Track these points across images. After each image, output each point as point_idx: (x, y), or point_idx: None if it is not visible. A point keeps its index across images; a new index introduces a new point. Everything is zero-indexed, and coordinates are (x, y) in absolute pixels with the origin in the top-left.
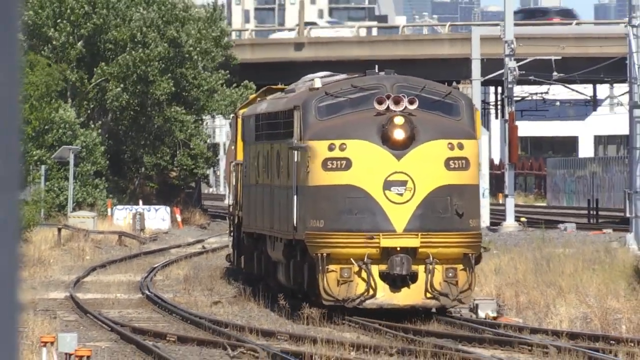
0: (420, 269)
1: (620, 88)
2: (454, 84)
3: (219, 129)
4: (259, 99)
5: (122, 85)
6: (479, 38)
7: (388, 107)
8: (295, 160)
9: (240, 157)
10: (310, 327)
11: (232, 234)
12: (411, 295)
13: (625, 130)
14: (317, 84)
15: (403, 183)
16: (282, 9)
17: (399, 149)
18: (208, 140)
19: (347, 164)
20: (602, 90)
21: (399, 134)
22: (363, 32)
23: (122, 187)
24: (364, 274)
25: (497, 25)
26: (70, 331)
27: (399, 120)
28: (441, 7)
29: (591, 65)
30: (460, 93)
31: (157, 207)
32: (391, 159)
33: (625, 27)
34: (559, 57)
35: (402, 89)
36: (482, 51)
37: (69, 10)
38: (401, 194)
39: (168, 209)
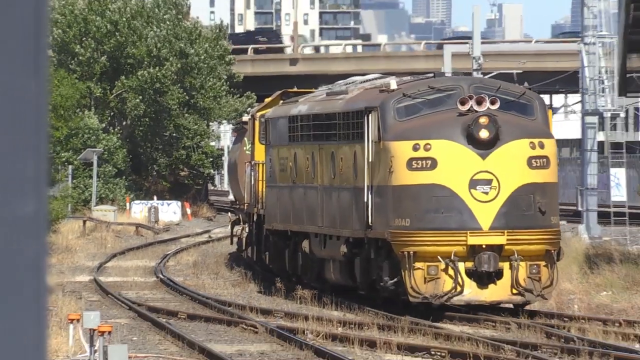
0: (505, 265)
1: (573, 98)
2: (526, 84)
3: (224, 134)
4: (281, 101)
5: (140, 97)
6: (450, 54)
7: (471, 107)
8: (369, 160)
9: (259, 157)
10: (303, 306)
11: (242, 229)
12: (497, 292)
13: (577, 135)
14: (393, 85)
15: (488, 182)
16: (279, 28)
17: (484, 148)
18: (214, 143)
19: (432, 164)
20: (558, 99)
21: (484, 134)
22: (349, 49)
23: (139, 185)
24: (450, 271)
25: (466, 43)
26: (94, 310)
27: (484, 120)
28: (417, 27)
29: (548, 78)
30: (533, 93)
31: (169, 202)
32: (476, 158)
33: (578, 45)
34: (520, 71)
35: (479, 90)
36: (453, 66)
37: (94, 29)
38: (487, 193)
39: (179, 203)
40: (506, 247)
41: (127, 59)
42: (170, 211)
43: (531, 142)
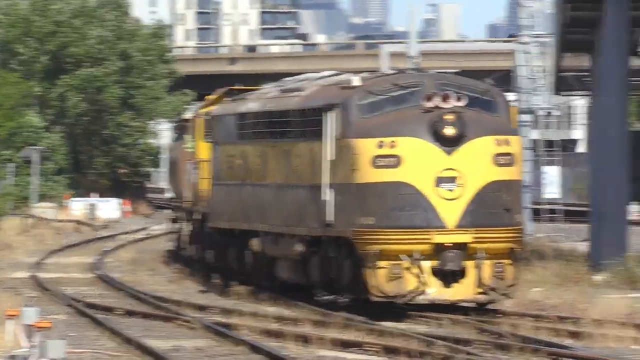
0: (470, 264)
1: (508, 97)
2: (489, 80)
3: (162, 132)
4: (226, 98)
5: (81, 96)
6: (387, 54)
7: (437, 104)
8: (330, 158)
9: (202, 155)
10: (238, 302)
11: (182, 227)
12: (462, 291)
13: None
14: (356, 81)
15: (454, 179)
16: (219, 28)
17: (449, 145)
18: (154, 141)
19: (397, 161)
20: None
21: (450, 131)
22: (288, 49)
23: (79, 182)
24: (414, 270)
25: (403, 43)
26: (33, 306)
27: (450, 117)
28: (355, 27)
29: (483, 77)
30: (497, 90)
31: (108, 199)
32: (442, 156)
33: (514, 45)
34: (457, 70)
35: (443, 86)
36: (391, 65)
37: (36, 29)
38: (452, 190)
39: (118, 200)
40: (471, 245)
41: (68, 58)
42: (109, 208)
43: (497, 139)
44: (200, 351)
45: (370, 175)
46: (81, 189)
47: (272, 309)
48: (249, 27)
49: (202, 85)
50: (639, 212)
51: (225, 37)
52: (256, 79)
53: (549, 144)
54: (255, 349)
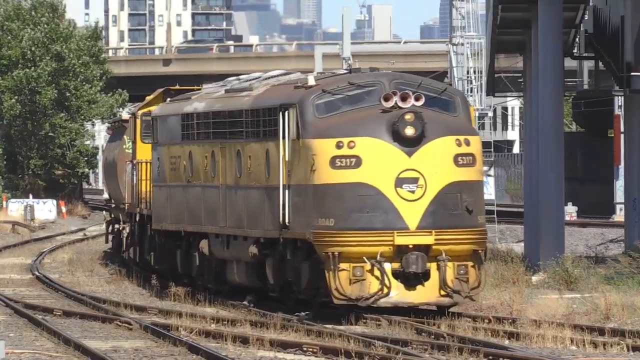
0: (433, 266)
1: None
2: (446, 79)
3: (98, 133)
4: (168, 99)
5: (15, 97)
6: (321, 55)
7: (395, 103)
8: (286, 159)
9: (141, 156)
10: (176, 303)
11: (123, 229)
12: (425, 293)
13: None
14: (311, 81)
15: (415, 180)
16: (153, 29)
17: (409, 145)
18: (89, 142)
19: (356, 162)
20: None
21: (410, 131)
22: (222, 50)
23: (15, 183)
24: (377, 272)
25: (336, 44)
26: None
27: (410, 116)
28: (288, 28)
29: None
30: (455, 89)
31: (45, 200)
32: (402, 156)
33: (447, 45)
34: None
35: (400, 86)
36: (324, 66)
37: None
38: (413, 191)
39: (54, 201)
40: (434, 247)
41: (1, 59)
42: (45, 209)
43: (457, 140)
44: (139, 352)
45: (329, 176)
46: (17, 190)
47: (210, 310)
48: (183, 28)
49: (135, 86)
50: (575, 213)
51: (159, 38)
52: (190, 80)
53: (483, 145)
54: (194, 349)
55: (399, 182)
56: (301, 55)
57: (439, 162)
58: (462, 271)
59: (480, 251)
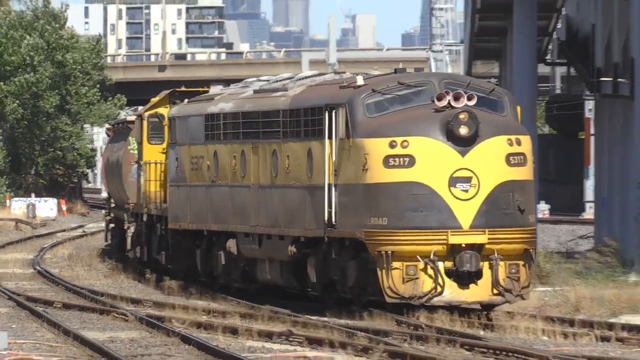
0: (485, 265)
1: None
2: (493, 79)
3: (97, 135)
4: (186, 100)
5: (17, 101)
6: (308, 61)
7: (448, 103)
8: (333, 158)
9: (148, 157)
10: (170, 296)
11: (128, 229)
12: (478, 292)
13: None
14: (360, 81)
15: (468, 179)
16: (149, 37)
17: (463, 145)
18: (89, 145)
19: (410, 161)
20: None
21: (464, 130)
22: (214, 57)
23: (18, 183)
24: (430, 271)
25: (323, 51)
26: None
27: (464, 116)
28: (277, 36)
29: None
30: (502, 89)
31: (46, 199)
32: (456, 156)
33: (427, 52)
34: None
35: (449, 86)
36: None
37: None
38: (466, 191)
39: (55, 200)
40: (486, 246)
41: (4, 65)
42: (47, 207)
43: (509, 139)
44: (135, 342)
45: (382, 175)
46: (20, 189)
47: (201, 303)
48: (177, 36)
49: (132, 91)
50: (547, 211)
51: (155, 45)
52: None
53: None
54: (186, 339)
55: (453, 182)
56: (289, 61)
57: (491, 162)
58: (513, 270)
59: (530, 250)
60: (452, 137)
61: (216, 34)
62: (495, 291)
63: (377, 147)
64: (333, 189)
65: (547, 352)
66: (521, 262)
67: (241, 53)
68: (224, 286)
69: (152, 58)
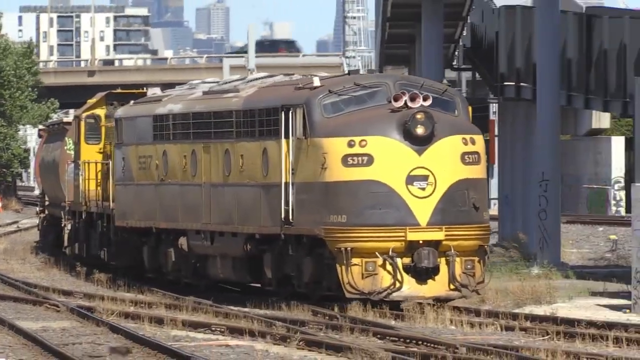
0: (442, 261)
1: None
2: (445, 81)
3: (30, 136)
4: (132, 101)
5: None
6: (228, 66)
7: (405, 103)
8: (290, 157)
9: (86, 157)
10: (99, 288)
11: (64, 227)
12: (436, 287)
13: None
14: (317, 82)
15: (425, 178)
16: (79, 44)
17: (420, 144)
18: (23, 146)
19: (368, 160)
20: None
21: (421, 130)
22: (140, 62)
23: None
24: (388, 267)
25: (242, 57)
26: None
27: (421, 116)
28: (200, 42)
29: None
30: (454, 90)
31: None
32: (413, 155)
33: (340, 58)
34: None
35: (404, 87)
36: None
37: None
38: (423, 189)
39: None
40: (443, 242)
41: None
42: None
43: (463, 138)
44: (66, 331)
45: (341, 173)
46: None
47: (129, 295)
48: (106, 43)
49: (64, 95)
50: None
51: (84, 52)
52: (113, 89)
53: None
54: (114, 329)
55: (410, 180)
56: (211, 67)
57: (447, 160)
58: (469, 266)
59: (485, 247)
60: (409, 137)
61: (142, 41)
62: (452, 286)
63: (335, 147)
64: (290, 187)
65: (454, 340)
66: (476, 258)
67: (165, 59)
68: (171, 282)
69: (82, 64)
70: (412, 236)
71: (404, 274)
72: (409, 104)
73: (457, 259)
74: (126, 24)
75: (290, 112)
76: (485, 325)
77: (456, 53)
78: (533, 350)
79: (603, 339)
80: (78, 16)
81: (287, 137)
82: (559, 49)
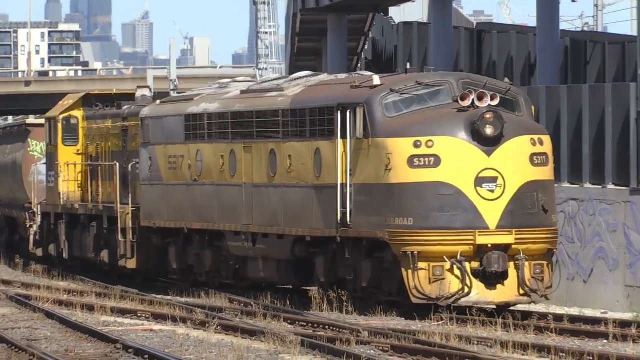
0: (511, 265)
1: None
2: (506, 79)
3: None
4: (158, 101)
5: None
6: (152, 77)
7: (472, 103)
8: (348, 158)
9: (64, 159)
10: (36, 278)
11: (30, 227)
12: (505, 293)
13: None
14: (377, 80)
15: (494, 179)
16: (16, 57)
17: (489, 145)
18: None
19: (435, 161)
20: None
21: (491, 130)
22: (72, 73)
23: None
24: (456, 272)
25: (165, 68)
26: None
27: (490, 116)
28: (126, 55)
29: None
30: (517, 88)
31: None
32: (481, 156)
33: (254, 70)
34: None
35: (467, 85)
36: (155, 87)
37: None
38: (492, 191)
39: None
40: (513, 246)
41: None
42: None
43: (532, 139)
44: (6, 317)
45: (407, 175)
46: None
47: (63, 284)
48: (41, 56)
49: (1, 103)
50: None
51: (22, 64)
52: (48, 99)
53: None
54: (50, 315)
55: (479, 182)
56: (136, 77)
57: (516, 162)
58: (538, 270)
59: (554, 250)
60: (478, 137)
61: (74, 54)
62: (521, 291)
63: (400, 147)
64: (347, 188)
65: (358, 325)
66: (545, 262)
67: (95, 70)
68: (202, 282)
69: (20, 75)
70: (482, 240)
71: (473, 279)
72: (477, 103)
73: (527, 264)
74: (60, 38)
75: (348, 111)
76: (385, 313)
77: (359, 65)
78: (429, 334)
79: (492, 324)
80: (16, 31)
81: (343, 137)
82: (452, 61)
